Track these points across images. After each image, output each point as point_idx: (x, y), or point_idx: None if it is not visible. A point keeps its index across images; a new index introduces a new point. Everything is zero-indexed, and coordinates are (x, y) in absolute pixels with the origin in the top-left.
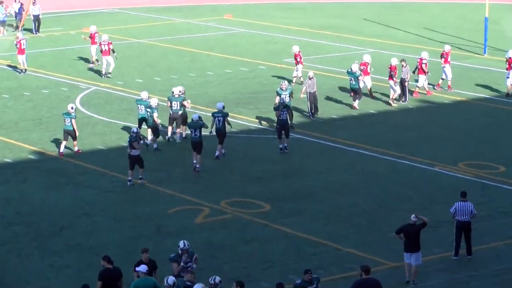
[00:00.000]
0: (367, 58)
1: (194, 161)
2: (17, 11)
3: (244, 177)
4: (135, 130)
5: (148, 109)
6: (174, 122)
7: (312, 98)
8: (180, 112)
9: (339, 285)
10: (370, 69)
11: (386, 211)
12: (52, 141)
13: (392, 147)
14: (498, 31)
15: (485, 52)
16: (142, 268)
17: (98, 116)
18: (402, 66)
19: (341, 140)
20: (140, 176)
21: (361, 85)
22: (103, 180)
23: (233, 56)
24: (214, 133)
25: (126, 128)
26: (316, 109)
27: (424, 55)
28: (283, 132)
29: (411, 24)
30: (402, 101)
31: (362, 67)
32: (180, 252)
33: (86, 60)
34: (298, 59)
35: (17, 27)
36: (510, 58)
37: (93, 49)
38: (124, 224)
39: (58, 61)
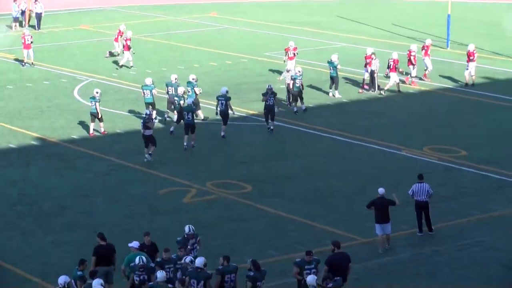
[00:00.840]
0: (369, 51)
1: (185, 144)
2: (23, 9)
3: (228, 161)
4: (148, 112)
5: (176, 98)
6: (172, 105)
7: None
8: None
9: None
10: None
11: (358, 191)
12: (52, 128)
13: (364, 133)
14: (460, 27)
15: (448, 46)
16: (134, 244)
17: None
18: (372, 58)
19: (317, 127)
20: (149, 152)
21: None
22: (100, 164)
23: (218, 50)
24: (218, 114)
25: (121, 116)
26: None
27: (413, 47)
28: (269, 115)
29: (381, 21)
30: (372, 91)
31: (368, 60)
32: (186, 236)
33: (84, 55)
34: (292, 54)
35: (21, 24)
36: (468, 51)
37: (116, 45)
38: (119, 204)
39: (58, 55)
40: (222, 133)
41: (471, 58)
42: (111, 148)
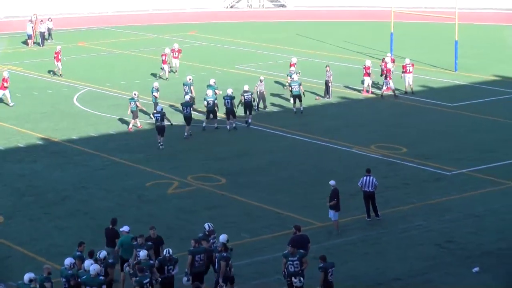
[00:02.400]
0: (368, 62)
1: (185, 134)
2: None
3: (206, 157)
4: (161, 108)
5: (210, 99)
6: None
7: (261, 96)
8: (190, 94)
9: (280, 240)
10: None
11: (316, 183)
12: (55, 130)
13: (320, 133)
14: (401, 42)
15: None
16: (125, 228)
17: (91, 110)
18: (327, 70)
19: (280, 128)
20: (161, 143)
21: (367, 82)
22: (96, 160)
23: (196, 63)
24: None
25: (113, 119)
26: (265, 106)
27: (388, 59)
28: (247, 110)
29: (335, 38)
30: (326, 98)
31: (368, 71)
32: (207, 233)
33: (82, 67)
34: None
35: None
36: (405, 64)
37: (175, 61)
38: (112, 194)
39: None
40: (228, 127)
41: (403, 70)
42: (105, 146)
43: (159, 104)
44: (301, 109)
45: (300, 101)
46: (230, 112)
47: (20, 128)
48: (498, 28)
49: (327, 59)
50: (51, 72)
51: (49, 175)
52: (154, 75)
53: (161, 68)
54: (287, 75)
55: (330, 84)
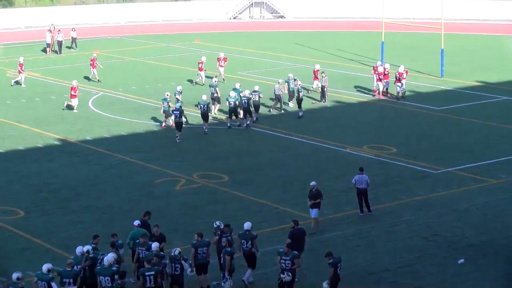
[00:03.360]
0: (381, 69)
1: (205, 128)
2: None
3: (209, 156)
4: (179, 106)
5: (232, 99)
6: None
7: (278, 97)
8: (216, 95)
9: (278, 234)
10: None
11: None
12: (71, 131)
13: (315, 134)
14: (391, 51)
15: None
16: (135, 222)
17: (104, 113)
18: (322, 76)
19: (278, 129)
20: (178, 137)
21: (381, 87)
22: (108, 159)
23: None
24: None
25: (125, 122)
26: (274, 108)
27: (387, 65)
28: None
29: (329, 47)
30: (322, 102)
31: (380, 76)
32: (215, 229)
33: (96, 73)
34: (316, 75)
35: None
36: (398, 72)
37: (221, 69)
38: (123, 191)
39: (76, 73)
40: (244, 125)
41: (399, 77)
42: (117, 146)
43: (178, 102)
44: (300, 113)
45: (300, 105)
46: (246, 111)
47: (38, 130)
48: (481, 38)
49: (323, 66)
50: (87, 78)
51: (64, 173)
52: (158, 80)
53: (198, 75)
54: (285, 82)
55: (325, 89)
